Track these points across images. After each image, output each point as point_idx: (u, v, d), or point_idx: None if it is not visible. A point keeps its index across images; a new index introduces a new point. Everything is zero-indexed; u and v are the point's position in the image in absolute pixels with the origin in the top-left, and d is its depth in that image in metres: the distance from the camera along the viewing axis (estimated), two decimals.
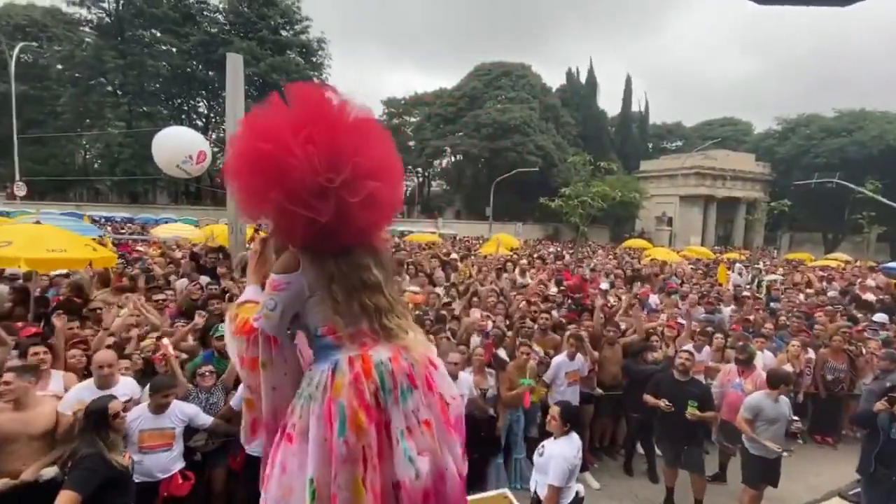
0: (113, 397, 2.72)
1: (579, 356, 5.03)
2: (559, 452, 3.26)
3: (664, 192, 39.69)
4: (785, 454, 4.14)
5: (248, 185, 1.24)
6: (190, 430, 3.45)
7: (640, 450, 5.36)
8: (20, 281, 6.17)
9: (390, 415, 1.30)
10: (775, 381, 4.26)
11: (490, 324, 5.78)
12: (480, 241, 21.32)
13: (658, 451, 5.09)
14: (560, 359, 4.99)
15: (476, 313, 6.15)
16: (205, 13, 36.04)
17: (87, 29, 34.13)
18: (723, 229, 41.34)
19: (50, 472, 2.83)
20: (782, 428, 4.19)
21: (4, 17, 32.96)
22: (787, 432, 4.27)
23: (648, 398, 4.61)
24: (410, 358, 1.37)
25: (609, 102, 51.84)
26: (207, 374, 3.71)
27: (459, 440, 1.46)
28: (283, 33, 37.05)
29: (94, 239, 7.86)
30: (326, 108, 1.24)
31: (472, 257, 11.72)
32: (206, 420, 3.46)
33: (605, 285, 8.59)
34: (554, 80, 49.76)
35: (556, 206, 20.89)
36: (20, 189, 19.85)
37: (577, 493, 3.35)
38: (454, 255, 11.67)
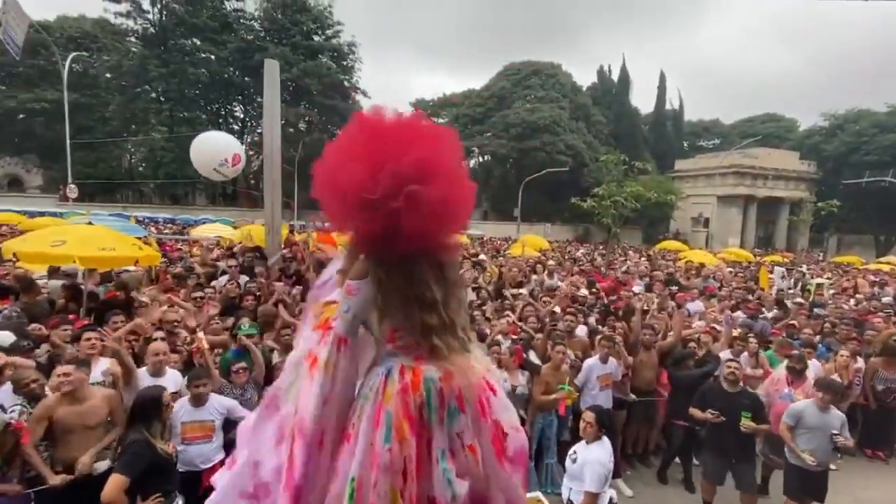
0: (163, 388, 2.86)
1: (612, 359, 4.93)
2: (594, 458, 3.23)
3: (700, 193, 38.34)
4: (833, 467, 3.93)
5: (322, 203, 1.32)
6: (230, 424, 3.58)
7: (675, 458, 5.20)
8: (79, 277, 6.57)
9: (433, 432, 1.30)
10: (823, 387, 4.05)
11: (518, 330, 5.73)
12: (509, 242, 21.18)
13: (695, 462, 4.93)
14: (592, 361, 4.90)
15: (506, 320, 6.11)
16: (241, 21, 37.35)
17: (133, 39, 35.96)
18: (763, 231, 39.54)
19: (104, 465, 3.01)
20: (826, 439, 3.95)
21: (59, 29, 35.09)
22: (835, 446, 4.04)
23: (695, 412, 4.36)
24: (463, 380, 1.33)
25: (642, 100, 50.50)
26: (241, 370, 3.83)
27: (517, 475, 1.38)
28: (316, 38, 37.93)
29: (139, 238, 8.27)
30: (367, 122, 1.29)
31: (501, 258, 11.66)
32: (244, 413, 3.58)
33: (638, 288, 8.38)
34: (585, 78, 48.92)
35: (588, 207, 20.51)
36: (72, 191, 21.05)
37: (610, 498, 3.31)
38: (483, 256, 11.64)
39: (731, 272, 11.91)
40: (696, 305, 7.98)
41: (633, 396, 5.22)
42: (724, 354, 5.24)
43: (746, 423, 4.05)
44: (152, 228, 19.68)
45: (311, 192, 1.30)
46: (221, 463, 3.35)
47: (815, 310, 8.50)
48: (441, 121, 49.68)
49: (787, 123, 50.42)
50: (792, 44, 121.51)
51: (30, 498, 2.81)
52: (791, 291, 10.45)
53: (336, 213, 1.28)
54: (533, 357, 5.09)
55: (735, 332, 5.85)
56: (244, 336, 4.08)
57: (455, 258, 1.45)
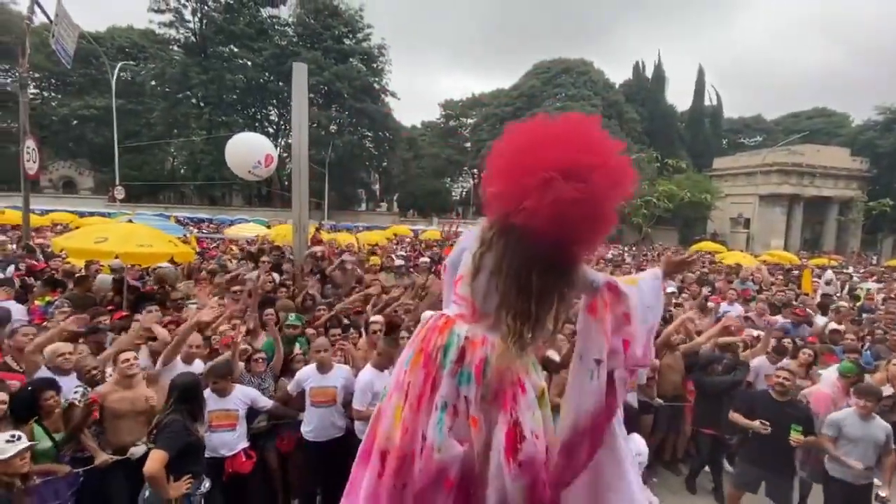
0: (196, 375, 3.00)
1: None
2: None
3: (741, 192, 36.68)
4: (878, 482, 3.67)
5: (497, 164, 1.37)
6: (253, 413, 3.70)
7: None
8: (122, 273, 6.95)
9: (441, 378, 1.36)
10: (864, 393, 3.77)
11: None
12: None
13: (728, 468, 4.71)
14: None
15: None
16: (276, 27, 38.54)
17: (175, 48, 37.74)
18: (810, 232, 37.42)
19: (139, 450, 3.13)
20: (870, 450, 3.68)
21: (109, 39, 37.25)
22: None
23: (738, 418, 4.10)
24: (491, 358, 1.35)
25: (678, 98, 48.53)
26: (260, 360, 3.93)
27: (520, 482, 1.34)
28: (346, 42, 38.67)
29: (178, 237, 8.67)
30: (578, 119, 1.36)
31: None
32: (267, 403, 3.69)
33: (671, 289, 8.09)
34: (618, 76, 47.72)
35: (618, 206, 19.95)
36: (119, 193, 22.31)
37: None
38: None
39: (768, 273, 11.33)
40: (734, 309, 7.63)
41: (659, 401, 5.05)
42: (760, 361, 4.99)
43: (797, 437, 3.78)
44: (192, 228, 20.57)
45: (490, 155, 1.37)
46: (244, 451, 3.47)
47: (864, 315, 7.97)
48: (470, 121, 49.84)
49: (839, 119, 47.56)
50: (837, 35, 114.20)
51: (79, 477, 2.96)
52: (838, 296, 9.84)
53: (513, 179, 1.28)
54: (553, 355, 5.00)
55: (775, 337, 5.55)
56: (290, 326, 4.37)
57: (571, 269, 1.42)
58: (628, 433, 3.28)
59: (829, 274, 10.90)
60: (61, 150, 37.81)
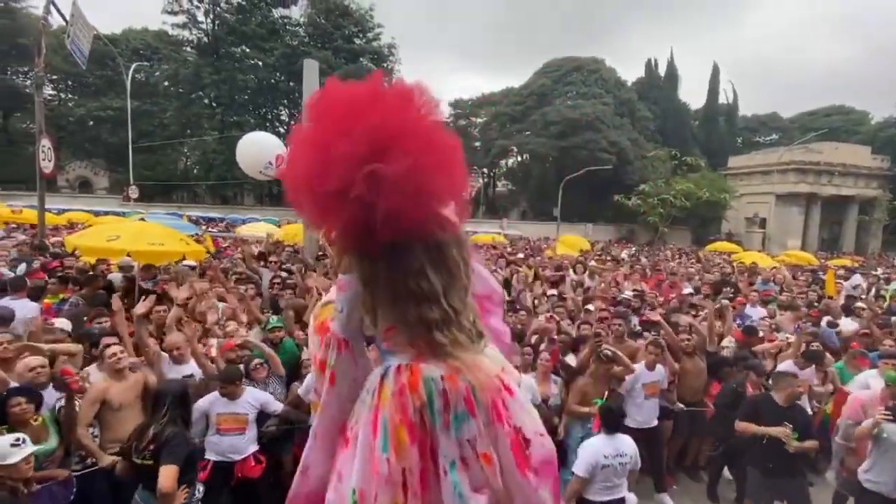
0: (186, 380, 2.91)
1: (659, 366, 4.61)
2: (590, 443, 3.43)
3: (756, 191, 35.99)
4: None
5: (289, 197, 1.15)
6: (264, 416, 3.62)
7: (727, 474, 4.81)
8: (133, 271, 6.95)
9: (437, 440, 1.13)
10: None
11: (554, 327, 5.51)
12: (548, 243, 20.70)
13: (726, 475, 4.55)
14: (638, 368, 4.57)
15: (543, 316, 5.90)
16: (287, 27, 38.74)
17: (188, 49, 38.15)
18: (828, 232, 36.62)
19: None
20: None
21: (124, 41, 37.74)
22: None
23: (750, 426, 3.91)
24: (473, 380, 1.13)
25: (691, 96, 47.92)
26: (259, 366, 3.87)
27: (545, 487, 1.20)
28: (357, 42, 38.75)
29: (190, 235, 8.68)
30: (319, 99, 1.11)
31: (538, 258, 11.37)
32: (278, 407, 3.62)
33: (687, 290, 7.90)
34: (630, 74, 47.11)
35: (633, 205, 19.44)
36: (133, 192, 22.59)
37: (623, 498, 3.35)
38: (520, 255, 11.40)
39: (788, 274, 10.98)
40: (756, 311, 7.39)
41: (680, 405, 4.89)
42: (787, 366, 4.80)
43: (795, 445, 3.66)
44: (206, 227, 20.72)
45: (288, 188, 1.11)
46: (253, 455, 3.39)
47: (893, 318, 7.67)
48: (479, 120, 49.63)
49: (857, 116, 46.55)
50: (855, 31, 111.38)
51: (73, 484, 2.90)
52: (863, 297, 9.50)
53: (301, 209, 1.11)
54: (571, 360, 4.86)
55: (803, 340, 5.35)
56: (270, 330, 4.23)
57: (455, 234, 1.18)
58: (611, 427, 3.30)
59: (857, 278, 10.48)
60: (78, 150, 38.45)
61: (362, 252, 1.15)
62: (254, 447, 3.42)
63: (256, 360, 3.89)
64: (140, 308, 3.59)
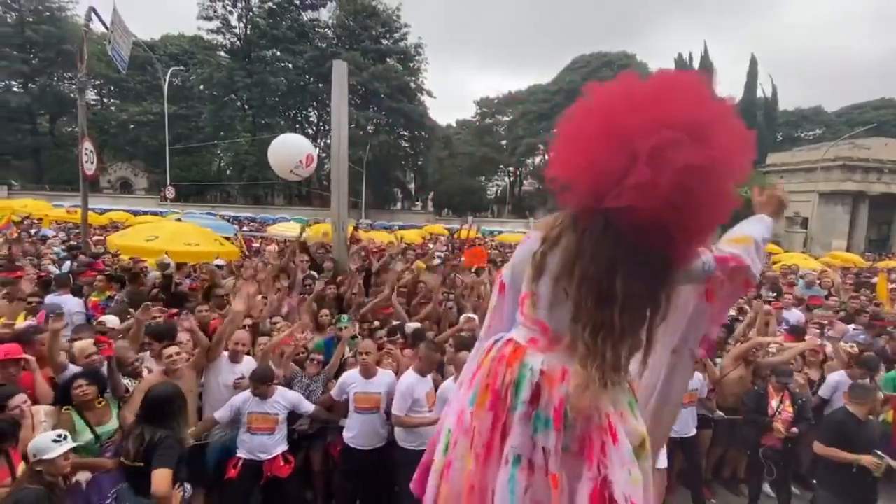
0: (175, 386, 2.92)
1: (698, 374, 4.38)
2: None
3: (798, 189, 34.27)
4: None
5: (569, 138, 1.15)
6: (294, 415, 3.65)
7: (768, 490, 4.56)
8: (170, 269, 7.17)
9: (512, 422, 1.09)
10: None
11: None
12: None
13: (795, 490, 4.27)
14: None
15: None
16: (316, 29, 39.44)
17: (222, 53, 39.35)
18: (876, 232, 34.57)
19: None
20: None
21: (162, 47, 39.27)
22: None
23: (835, 452, 3.49)
24: (573, 397, 1.04)
25: (727, 90, 45.53)
26: (316, 361, 3.90)
27: None
28: (384, 42, 39.08)
29: (226, 237, 8.90)
30: (671, 75, 1.09)
31: None
32: (309, 408, 3.62)
33: None
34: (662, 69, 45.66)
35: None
36: (170, 192, 23.46)
37: None
38: None
39: (838, 278, 10.35)
40: (794, 315, 7.00)
41: (720, 413, 4.66)
42: (839, 377, 4.50)
43: (879, 464, 3.33)
44: (240, 227, 21.28)
45: (563, 126, 1.10)
46: (282, 455, 3.41)
47: None
48: (505, 119, 49.21)
49: None
50: None
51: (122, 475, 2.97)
52: None
53: (609, 147, 0.98)
54: None
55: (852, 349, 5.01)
56: (341, 328, 4.24)
57: (672, 269, 1.08)
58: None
59: None
60: (119, 152, 40.31)
61: (590, 217, 1.06)
62: (283, 447, 3.44)
63: (314, 354, 3.94)
64: (238, 305, 3.74)
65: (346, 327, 4.21)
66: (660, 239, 0.99)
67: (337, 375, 3.94)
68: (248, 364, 3.74)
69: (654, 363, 1.26)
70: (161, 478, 2.42)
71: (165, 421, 2.61)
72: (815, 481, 3.94)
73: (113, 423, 2.98)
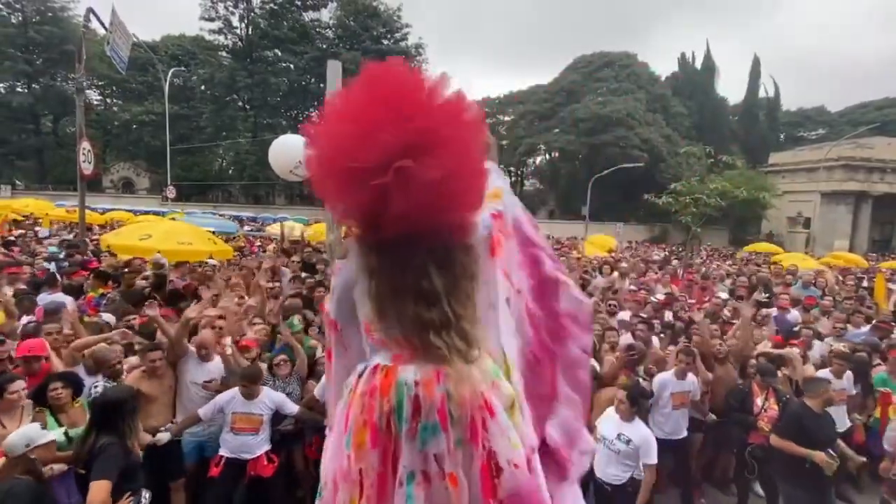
0: (129, 389, 2.91)
1: (691, 376, 4.33)
2: (648, 433, 3.47)
3: (800, 189, 34.15)
4: None
5: (308, 171, 1.14)
6: (279, 417, 3.64)
7: (758, 490, 4.53)
8: (164, 269, 7.19)
9: (401, 447, 1.07)
10: None
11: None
12: (574, 242, 20.25)
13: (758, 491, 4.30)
14: (666, 377, 4.29)
15: None
16: (317, 30, 39.50)
17: (223, 53, 39.46)
18: (879, 232, 34.37)
19: (165, 436, 3.26)
20: None
21: (163, 48, 39.37)
22: None
23: (789, 445, 3.53)
24: (453, 391, 1.06)
25: (729, 91, 46.02)
26: (282, 363, 3.90)
27: None
28: (385, 42, 39.10)
29: (232, 235, 8.92)
30: (372, 78, 1.09)
31: (562, 259, 11.09)
32: (293, 409, 3.62)
33: (723, 294, 7.51)
34: (664, 69, 45.64)
35: (665, 204, 18.51)
36: (171, 192, 23.54)
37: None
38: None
39: (843, 282, 10.25)
40: (792, 315, 6.97)
41: (712, 416, 4.63)
42: (825, 373, 4.49)
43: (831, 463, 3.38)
44: (238, 226, 21.32)
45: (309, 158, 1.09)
46: (266, 455, 3.41)
47: None
48: (507, 119, 49.14)
49: None
50: None
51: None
52: None
53: (320, 184, 1.07)
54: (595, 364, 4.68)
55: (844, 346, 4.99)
56: (290, 332, 4.21)
57: (467, 242, 1.16)
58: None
59: None
60: (122, 152, 40.46)
61: (371, 241, 1.13)
62: (266, 447, 3.44)
63: (281, 357, 3.93)
64: (190, 312, 3.75)
65: (299, 332, 4.30)
66: (442, 228, 1.07)
67: (310, 376, 3.96)
68: (217, 364, 3.76)
69: (491, 321, 1.27)
70: (96, 490, 2.32)
71: (113, 426, 2.53)
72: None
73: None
